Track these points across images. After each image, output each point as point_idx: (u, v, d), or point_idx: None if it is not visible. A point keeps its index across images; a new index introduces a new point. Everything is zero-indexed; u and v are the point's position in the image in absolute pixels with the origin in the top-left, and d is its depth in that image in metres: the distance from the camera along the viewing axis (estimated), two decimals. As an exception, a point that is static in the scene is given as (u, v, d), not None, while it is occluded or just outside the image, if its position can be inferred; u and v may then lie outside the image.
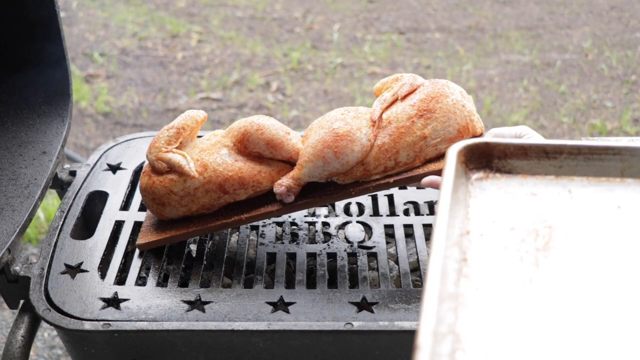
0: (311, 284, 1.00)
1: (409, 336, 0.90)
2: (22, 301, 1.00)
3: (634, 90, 3.05)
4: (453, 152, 0.62)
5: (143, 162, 1.24)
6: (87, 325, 0.90)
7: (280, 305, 0.94)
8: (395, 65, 3.25)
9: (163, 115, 2.83)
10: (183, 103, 2.92)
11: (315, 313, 0.92)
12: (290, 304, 0.94)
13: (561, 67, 3.21)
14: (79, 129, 2.73)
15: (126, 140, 1.30)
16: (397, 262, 1.05)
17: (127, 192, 1.18)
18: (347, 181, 0.99)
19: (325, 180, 0.99)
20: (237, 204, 1.02)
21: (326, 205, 1.15)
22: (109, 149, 1.28)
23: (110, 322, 0.91)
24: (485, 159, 0.64)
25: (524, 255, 0.54)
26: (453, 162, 0.61)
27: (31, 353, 1.17)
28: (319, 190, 1.00)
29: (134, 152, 1.27)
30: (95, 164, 1.23)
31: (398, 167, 0.98)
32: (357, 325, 0.90)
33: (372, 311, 0.93)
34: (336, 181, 0.99)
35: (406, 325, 0.90)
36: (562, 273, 0.52)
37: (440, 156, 0.98)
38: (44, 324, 1.00)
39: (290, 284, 1.01)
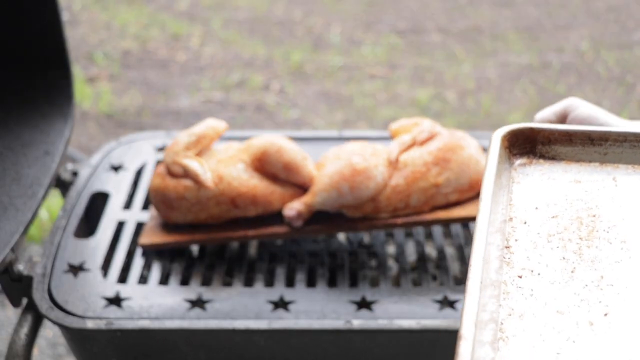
0: (311, 282, 1.01)
1: (408, 334, 0.92)
2: (25, 300, 1.01)
3: (630, 91, 3.06)
4: (497, 137, 0.61)
5: (145, 162, 1.26)
6: (90, 324, 0.91)
7: (281, 304, 0.95)
8: (395, 67, 3.26)
9: (165, 116, 2.85)
10: (185, 104, 2.93)
11: (315, 311, 0.93)
12: (291, 302, 0.95)
13: (559, 68, 3.22)
14: (81, 130, 2.74)
15: (128, 141, 1.31)
16: (396, 261, 1.06)
17: (130, 192, 1.19)
18: (355, 215, 1.02)
19: (335, 210, 1.01)
20: (244, 219, 1.04)
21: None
22: (111, 149, 1.29)
23: (112, 321, 0.92)
24: (529, 144, 0.63)
25: (567, 244, 0.53)
26: (497, 147, 0.60)
27: (34, 351, 1.18)
28: (327, 220, 1.02)
29: (136, 152, 1.28)
30: (98, 164, 1.24)
31: (407, 209, 1.01)
32: (356, 323, 0.91)
33: (371, 310, 0.94)
34: (345, 213, 1.02)
35: (405, 323, 0.91)
36: (606, 263, 0.51)
37: (449, 205, 1.02)
38: (47, 323, 1.01)
39: (290, 282, 1.02)
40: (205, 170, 1.01)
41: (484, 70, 3.25)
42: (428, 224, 1.02)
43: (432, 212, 1.01)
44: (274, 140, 1.03)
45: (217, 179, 1.01)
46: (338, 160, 1.01)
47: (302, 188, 1.04)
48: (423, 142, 1.04)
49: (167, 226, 1.06)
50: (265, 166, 1.03)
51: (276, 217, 1.04)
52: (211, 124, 1.06)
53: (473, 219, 1.01)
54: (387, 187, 1.00)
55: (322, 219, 1.03)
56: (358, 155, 1.00)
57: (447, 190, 1.01)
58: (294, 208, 1.00)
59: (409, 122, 1.09)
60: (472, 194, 1.03)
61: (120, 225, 1.11)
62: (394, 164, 1.01)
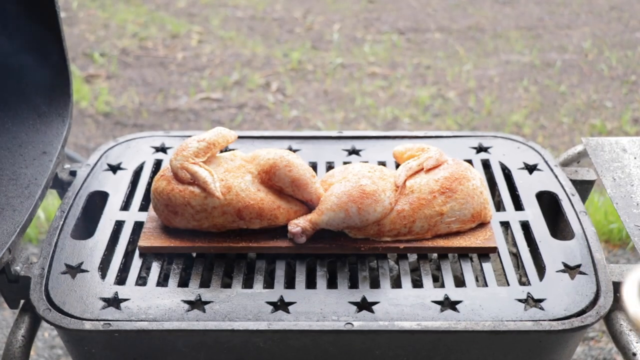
0: (311, 283, 1.00)
1: (409, 336, 0.91)
2: (22, 301, 1.00)
3: (634, 90, 3.05)
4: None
5: (143, 163, 1.25)
6: (88, 325, 0.90)
7: (281, 305, 0.94)
8: (395, 66, 3.25)
9: (163, 116, 2.84)
10: (183, 103, 2.92)
11: (315, 313, 0.92)
12: (291, 303, 0.94)
13: (561, 67, 3.21)
14: (79, 129, 2.73)
15: (126, 141, 1.30)
16: (397, 262, 1.05)
17: (128, 192, 1.18)
18: (358, 236, 1.03)
19: (338, 230, 1.02)
20: (246, 230, 1.04)
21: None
22: (109, 149, 1.28)
23: (110, 322, 0.91)
24: None
25: None
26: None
27: (32, 353, 1.18)
28: (329, 239, 1.03)
29: (134, 152, 1.27)
30: (96, 164, 1.23)
31: (410, 234, 1.03)
32: (357, 325, 0.90)
33: (372, 311, 0.93)
34: (348, 233, 1.03)
35: (406, 325, 0.90)
36: None
37: (450, 234, 1.04)
38: (44, 324, 1.01)
39: (290, 284, 1.01)
40: (215, 179, 1.00)
41: (485, 69, 3.24)
42: (429, 252, 1.03)
43: (433, 239, 1.03)
44: (284, 155, 1.03)
45: (224, 189, 1.00)
46: (346, 182, 1.01)
47: (307, 205, 1.04)
48: (430, 170, 1.05)
49: (168, 230, 1.05)
50: (273, 179, 1.02)
51: (278, 230, 1.04)
52: (222, 132, 1.06)
53: (472, 250, 1.03)
54: (393, 211, 1.01)
55: (325, 236, 1.03)
56: (367, 178, 1.01)
57: (450, 220, 1.02)
58: (298, 225, 1.00)
59: (414, 147, 1.10)
60: (472, 224, 1.05)
61: (118, 226, 1.10)
62: (400, 189, 1.02)
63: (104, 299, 0.95)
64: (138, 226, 1.10)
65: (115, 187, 1.18)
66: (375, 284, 1.02)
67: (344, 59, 3.30)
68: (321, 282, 0.99)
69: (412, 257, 1.09)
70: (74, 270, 1.00)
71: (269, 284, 1.01)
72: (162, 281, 1.02)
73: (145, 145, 1.29)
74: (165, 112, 2.86)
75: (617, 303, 0.97)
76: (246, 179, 1.02)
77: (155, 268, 1.02)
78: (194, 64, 3.25)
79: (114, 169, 1.23)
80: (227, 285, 1.02)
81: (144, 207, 1.15)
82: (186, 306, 0.94)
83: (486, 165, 1.24)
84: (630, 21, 3.67)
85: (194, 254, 1.06)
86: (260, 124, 2.79)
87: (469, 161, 1.23)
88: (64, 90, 1.21)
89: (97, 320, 0.91)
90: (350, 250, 1.02)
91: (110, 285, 0.98)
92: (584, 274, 0.98)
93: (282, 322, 0.91)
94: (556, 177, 1.19)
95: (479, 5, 3.87)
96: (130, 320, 0.91)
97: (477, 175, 1.07)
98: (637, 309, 0.51)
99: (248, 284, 1.01)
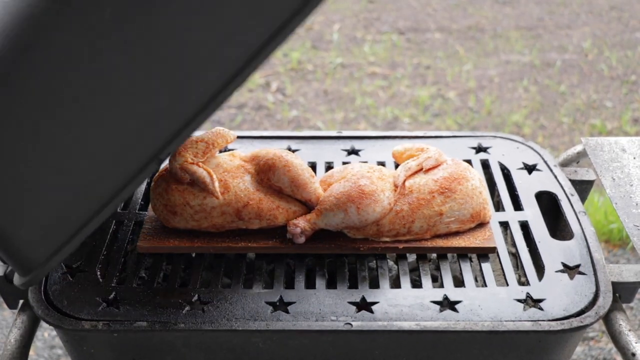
0: (310, 284, 1.00)
1: (409, 336, 0.91)
2: (21, 301, 1.00)
3: (634, 90, 3.05)
4: None
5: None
6: (87, 325, 0.90)
7: (280, 305, 0.94)
8: (395, 65, 3.25)
9: (163, 116, 2.84)
10: (183, 103, 2.92)
11: (314, 313, 0.92)
12: (290, 304, 0.94)
13: (561, 67, 3.21)
14: (79, 129, 2.73)
15: (126, 141, 1.30)
16: (396, 263, 1.05)
17: (127, 192, 1.18)
18: (357, 236, 1.03)
19: (337, 230, 1.02)
20: (246, 230, 1.04)
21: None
22: (108, 149, 1.27)
23: (109, 322, 0.91)
24: None
25: None
26: None
27: (31, 353, 1.18)
28: (328, 239, 1.03)
29: (133, 152, 1.27)
30: (95, 164, 1.23)
31: (409, 235, 1.03)
32: (356, 325, 0.90)
33: (371, 311, 0.93)
34: (347, 234, 1.03)
35: (405, 325, 0.90)
36: None
37: (449, 234, 1.04)
38: (43, 324, 1.01)
39: (289, 284, 1.01)
40: (214, 179, 1.01)
41: (485, 69, 3.24)
42: (428, 252, 1.03)
43: (432, 239, 1.03)
44: (282, 155, 1.03)
45: (223, 189, 1.01)
46: (345, 182, 1.01)
47: (306, 205, 1.04)
48: (429, 170, 1.05)
49: (167, 230, 1.05)
50: (272, 179, 1.03)
51: (277, 230, 1.04)
52: (221, 132, 1.06)
53: (471, 250, 1.03)
54: (392, 211, 1.01)
55: (324, 237, 1.03)
56: (366, 178, 1.01)
57: (449, 220, 1.03)
58: (297, 225, 1.01)
59: (413, 147, 1.10)
60: (472, 224, 1.05)
61: (117, 226, 1.10)
62: (399, 189, 1.02)
63: (104, 299, 0.95)
64: (137, 226, 1.10)
65: (115, 187, 1.18)
66: (374, 284, 1.02)
67: (344, 59, 3.30)
68: (320, 282, 0.99)
69: (411, 257, 1.09)
70: (73, 270, 1.00)
71: (268, 284, 1.01)
72: (162, 281, 1.02)
73: (145, 145, 1.29)
74: (165, 112, 2.86)
75: (617, 303, 0.97)
76: (245, 179, 1.03)
77: (155, 268, 1.02)
78: (194, 64, 3.25)
79: (114, 169, 1.22)
80: (226, 285, 1.02)
81: (143, 207, 1.15)
82: (186, 306, 0.94)
83: (485, 165, 1.24)
84: (630, 21, 3.67)
85: (193, 254, 1.06)
86: (260, 124, 2.79)
87: (468, 161, 1.24)
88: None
89: (96, 320, 0.91)
90: (350, 251, 1.02)
91: (110, 285, 0.98)
92: (583, 274, 0.98)
93: (282, 322, 0.91)
94: (555, 177, 1.19)
95: (479, 5, 3.88)
96: (130, 320, 0.91)
97: (477, 176, 1.07)
98: None
99: (247, 284, 1.02)
